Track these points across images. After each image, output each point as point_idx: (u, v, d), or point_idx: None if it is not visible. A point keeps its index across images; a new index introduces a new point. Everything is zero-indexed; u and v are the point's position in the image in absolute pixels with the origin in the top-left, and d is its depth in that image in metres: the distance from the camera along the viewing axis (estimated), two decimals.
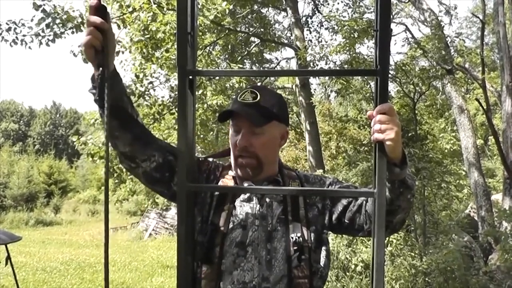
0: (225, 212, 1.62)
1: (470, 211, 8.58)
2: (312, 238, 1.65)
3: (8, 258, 4.24)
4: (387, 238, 6.35)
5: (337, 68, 8.96)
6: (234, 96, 1.70)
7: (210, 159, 1.80)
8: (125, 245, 14.99)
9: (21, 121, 61.68)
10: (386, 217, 0.97)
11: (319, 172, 8.12)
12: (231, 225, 1.61)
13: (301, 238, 1.62)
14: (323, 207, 1.71)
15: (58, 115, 64.00)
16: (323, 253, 1.67)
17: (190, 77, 1.08)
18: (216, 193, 1.67)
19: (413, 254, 6.06)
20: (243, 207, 1.65)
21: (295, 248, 1.60)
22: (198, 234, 1.60)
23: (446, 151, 10.23)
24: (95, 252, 13.25)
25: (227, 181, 1.71)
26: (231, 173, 1.73)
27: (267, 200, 1.67)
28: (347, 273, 6.26)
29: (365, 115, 8.32)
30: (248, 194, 1.67)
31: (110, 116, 1.41)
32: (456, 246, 5.39)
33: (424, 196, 6.35)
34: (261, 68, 14.41)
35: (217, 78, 9.61)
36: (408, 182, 1.45)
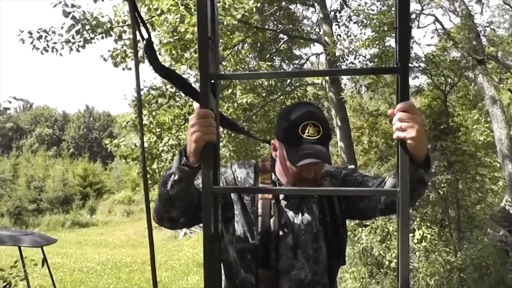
0: (273, 219, 1.78)
1: (505, 204, 8.38)
2: (344, 229, 1.89)
3: (45, 259, 4.35)
4: (421, 234, 6.27)
5: (366, 62, 8.90)
6: (287, 121, 1.73)
7: (232, 169, 1.89)
8: (161, 244, 15.17)
9: (55, 126, 63.00)
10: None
11: (351, 167, 8.07)
12: (281, 233, 1.78)
13: (338, 234, 1.85)
14: (351, 198, 1.88)
15: (91, 119, 65.13)
16: (345, 236, 1.91)
17: (212, 81, 1.09)
18: (260, 201, 1.79)
19: (447, 249, 5.96)
20: (287, 213, 1.82)
21: (335, 243, 1.83)
22: (245, 242, 1.77)
23: (480, 143, 10.00)
24: (131, 252, 13.47)
25: (268, 186, 1.84)
26: (273, 178, 1.87)
27: (307, 204, 1.84)
28: (382, 270, 6.21)
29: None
30: (291, 201, 1.83)
31: (179, 201, 1.57)
32: (490, 241, 5.29)
33: (457, 190, 6.23)
34: (291, 65, 14.37)
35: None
36: (425, 181, 1.48)
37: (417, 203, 6.55)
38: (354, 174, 1.94)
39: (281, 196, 1.82)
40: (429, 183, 1.61)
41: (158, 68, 1.20)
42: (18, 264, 4.42)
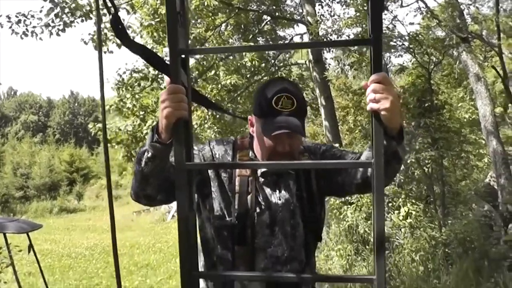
0: (250, 196, 1.78)
1: (489, 180, 8.48)
2: (322, 206, 1.90)
3: (31, 245, 4.33)
4: (406, 211, 6.33)
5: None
6: (262, 95, 1.74)
7: (210, 146, 1.88)
8: (149, 227, 15.19)
9: (40, 112, 62.37)
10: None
11: (336, 145, 8.10)
12: (258, 210, 1.78)
13: (316, 210, 1.86)
14: (327, 173, 1.87)
15: (76, 104, 64.53)
16: (323, 220, 1.92)
17: (183, 56, 1.07)
18: (237, 178, 1.80)
19: (432, 225, 6.03)
20: (266, 190, 1.82)
21: (312, 219, 1.84)
22: (222, 219, 1.78)
23: (465, 120, 10.08)
24: (119, 236, 13.20)
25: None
26: (251, 155, 1.87)
27: (285, 181, 1.84)
28: (367, 247, 6.27)
29: None
30: (268, 178, 1.83)
31: (153, 178, 1.57)
32: (475, 216, 5.35)
33: (442, 167, 6.28)
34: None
35: (230, 57, 9.55)
36: (399, 154, 1.48)
37: (395, 180, 6.62)
38: (333, 150, 1.94)
39: (259, 173, 1.82)
40: (403, 159, 1.60)
41: (127, 42, 1.17)
42: (2, 251, 4.40)
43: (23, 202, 23.09)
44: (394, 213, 6.40)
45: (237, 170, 1.81)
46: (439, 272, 4.94)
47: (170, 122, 1.21)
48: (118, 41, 7.77)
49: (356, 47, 7.97)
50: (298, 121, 1.68)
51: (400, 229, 6.15)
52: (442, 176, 6.28)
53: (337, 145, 8.78)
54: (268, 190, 1.82)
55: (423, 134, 6.05)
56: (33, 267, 7.91)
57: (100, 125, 8.52)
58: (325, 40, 8.41)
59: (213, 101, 2.03)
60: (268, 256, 1.78)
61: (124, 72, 8.85)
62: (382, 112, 1.13)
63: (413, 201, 6.40)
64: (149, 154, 1.49)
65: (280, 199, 1.81)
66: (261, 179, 1.82)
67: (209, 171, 1.82)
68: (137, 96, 8.51)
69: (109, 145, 8.83)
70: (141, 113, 8.53)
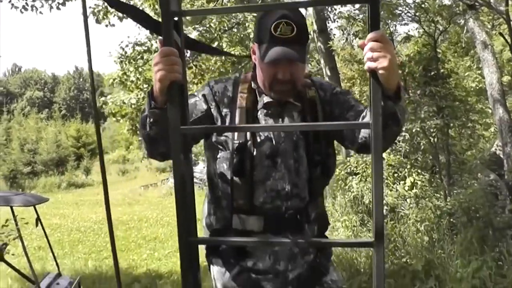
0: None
1: (496, 149, 8.43)
2: (329, 143, 1.84)
3: (38, 219, 4.36)
4: (412, 181, 6.31)
5: (356, 11, 8.74)
6: (262, 22, 1.69)
7: (209, 86, 1.85)
8: (156, 201, 15.29)
9: (45, 88, 62.48)
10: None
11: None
12: (258, 139, 1.75)
13: (321, 146, 1.80)
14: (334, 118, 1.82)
15: (81, 80, 64.47)
16: (332, 160, 1.85)
17: (176, 18, 1.05)
18: (237, 110, 1.77)
19: (438, 195, 6.02)
20: (267, 121, 1.78)
21: (318, 155, 1.78)
22: (223, 151, 1.76)
23: (472, 89, 9.97)
24: (127, 210, 13.58)
25: (246, 95, 1.80)
26: (253, 86, 1.82)
27: (289, 112, 1.80)
28: (372, 217, 6.27)
29: None
30: (271, 109, 1.78)
31: (162, 137, 1.55)
32: (480, 185, 5.32)
33: (448, 136, 6.23)
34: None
35: (234, 29, 9.45)
36: (398, 116, 1.45)
37: (401, 150, 6.59)
38: (348, 96, 1.87)
39: (260, 105, 1.79)
40: (402, 121, 1.55)
41: (118, 5, 1.15)
42: (10, 223, 4.44)
43: (31, 177, 23.31)
44: (400, 183, 6.38)
45: (238, 102, 1.78)
46: (443, 242, 4.94)
47: (164, 86, 1.21)
48: (120, 14, 7.72)
49: (361, 16, 7.85)
50: (297, 47, 1.64)
51: (406, 200, 6.14)
52: (448, 146, 6.24)
53: None
54: (270, 121, 1.79)
55: (429, 103, 5.99)
56: (43, 242, 8.00)
57: (103, 98, 8.54)
58: (327, 9, 8.29)
59: (211, 46, 1.99)
60: (267, 190, 1.75)
61: (127, 45, 8.79)
62: (380, 71, 1.11)
63: (419, 171, 6.37)
64: (151, 120, 1.50)
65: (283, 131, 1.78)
66: (264, 111, 1.79)
67: (212, 108, 1.80)
68: (140, 70, 8.47)
69: (114, 119, 8.86)
70: (145, 86, 8.50)
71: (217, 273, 1.91)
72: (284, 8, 1.70)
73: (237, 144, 1.73)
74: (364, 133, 1.69)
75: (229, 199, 1.77)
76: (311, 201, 1.82)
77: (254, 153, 1.74)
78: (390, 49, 1.12)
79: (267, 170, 1.75)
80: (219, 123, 1.78)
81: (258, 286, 1.83)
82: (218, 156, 1.78)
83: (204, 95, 1.81)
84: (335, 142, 1.90)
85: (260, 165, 1.74)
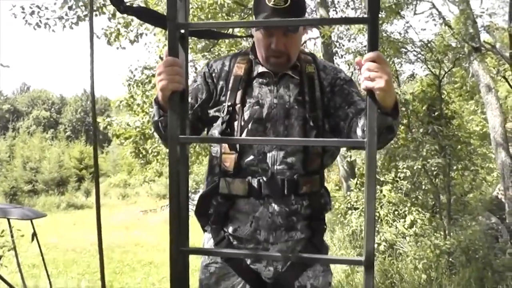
0: (241, 91, 1.77)
1: (498, 193, 8.41)
2: (325, 120, 1.79)
3: (34, 234, 4.35)
4: (412, 219, 6.27)
5: (364, 49, 8.85)
6: None
7: (208, 66, 1.89)
8: (154, 227, 15.19)
9: (52, 109, 62.84)
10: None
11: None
12: (248, 103, 1.76)
13: (316, 117, 1.76)
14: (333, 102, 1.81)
15: (88, 102, 64.89)
16: (328, 136, 1.80)
17: (182, 31, 1.07)
18: (232, 77, 1.80)
19: (437, 234, 5.97)
20: (262, 89, 1.79)
21: (311, 125, 1.74)
22: (215, 112, 1.79)
23: (475, 133, 10.00)
24: (125, 233, 13.50)
25: (242, 65, 1.82)
26: (250, 57, 1.84)
27: (285, 83, 1.80)
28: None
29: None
30: (267, 79, 1.80)
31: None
32: (480, 226, 5.28)
33: (449, 176, 6.22)
34: None
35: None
36: (393, 128, 1.47)
37: (402, 189, 6.55)
38: (352, 88, 1.84)
39: (255, 73, 1.81)
40: (396, 132, 1.56)
41: (124, 8, 1.19)
42: (5, 234, 4.43)
43: (31, 195, 23.18)
44: (399, 221, 6.35)
45: (234, 71, 1.81)
46: (441, 281, 4.89)
47: (166, 95, 1.24)
48: (131, 37, 7.84)
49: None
50: (291, 17, 1.65)
51: (405, 237, 6.10)
52: (449, 186, 6.23)
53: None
54: (265, 90, 1.79)
55: (431, 141, 6.00)
56: (38, 260, 7.94)
57: (108, 119, 8.58)
58: (335, 44, 8.41)
59: (214, 30, 1.99)
60: (255, 153, 1.74)
61: (136, 69, 8.88)
62: (377, 92, 1.13)
63: (419, 209, 6.34)
64: (163, 124, 1.59)
65: (276, 97, 1.78)
66: (259, 80, 1.81)
67: (211, 86, 1.83)
68: (147, 93, 8.54)
69: (117, 141, 8.88)
70: (151, 110, 8.53)
71: (205, 238, 1.95)
72: (292, 24, 1.72)
73: (226, 107, 1.76)
74: (360, 131, 1.64)
75: (218, 162, 1.78)
76: (305, 174, 1.76)
77: (243, 116, 1.75)
78: (387, 69, 1.15)
79: (255, 133, 1.74)
80: (216, 97, 1.82)
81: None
82: (214, 124, 1.82)
83: (204, 74, 1.86)
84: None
85: (248, 128, 1.74)
